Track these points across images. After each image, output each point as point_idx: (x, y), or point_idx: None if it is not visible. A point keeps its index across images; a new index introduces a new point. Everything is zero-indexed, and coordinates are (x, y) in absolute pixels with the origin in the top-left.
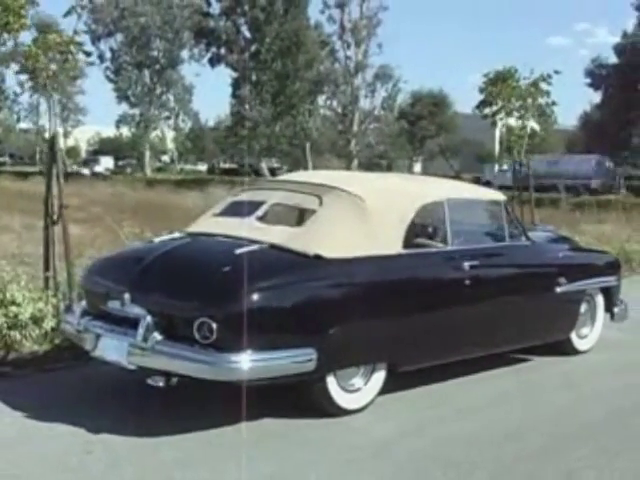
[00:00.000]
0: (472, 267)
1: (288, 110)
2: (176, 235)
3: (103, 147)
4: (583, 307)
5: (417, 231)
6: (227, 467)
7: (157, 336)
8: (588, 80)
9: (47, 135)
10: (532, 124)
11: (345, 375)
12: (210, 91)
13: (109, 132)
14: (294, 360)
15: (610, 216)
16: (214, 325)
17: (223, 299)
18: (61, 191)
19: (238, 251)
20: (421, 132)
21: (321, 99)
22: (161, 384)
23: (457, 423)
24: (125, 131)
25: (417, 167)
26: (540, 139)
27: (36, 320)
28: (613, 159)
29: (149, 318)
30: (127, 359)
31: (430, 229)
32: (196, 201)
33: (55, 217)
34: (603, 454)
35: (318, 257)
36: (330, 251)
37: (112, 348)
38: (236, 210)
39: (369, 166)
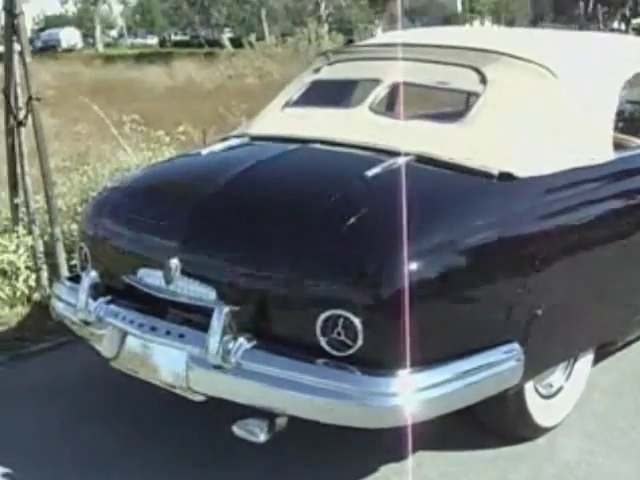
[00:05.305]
0: None
1: None
2: (235, 142)
3: (49, 25)
4: None
5: (619, 122)
6: None
7: (245, 343)
8: None
9: None
10: None
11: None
12: None
13: (54, 10)
14: (495, 371)
15: None
16: (357, 323)
17: (372, 271)
18: (29, 76)
19: (370, 172)
20: None
21: None
22: (262, 438)
23: None
24: (70, 7)
25: (378, 32)
26: None
27: (5, 273)
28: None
29: (227, 310)
30: (189, 384)
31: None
32: (163, 78)
33: (22, 115)
34: None
35: (507, 177)
36: (523, 165)
37: (155, 360)
38: (327, 96)
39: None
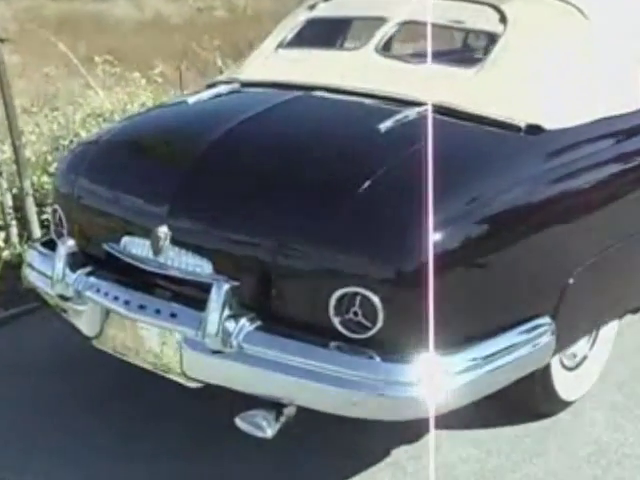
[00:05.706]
0: None
1: None
2: (225, 89)
3: None
4: None
5: None
6: None
7: (247, 324)
8: None
9: None
10: None
11: None
12: None
13: None
14: (528, 350)
15: None
16: (377, 301)
17: (393, 241)
18: None
19: (383, 126)
20: None
21: None
22: (269, 432)
23: None
24: None
25: None
26: None
27: None
28: None
29: (227, 286)
30: (182, 369)
31: None
32: (131, 11)
33: None
34: None
35: (535, 130)
36: (551, 116)
37: (144, 342)
38: (325, 36)
39: None
